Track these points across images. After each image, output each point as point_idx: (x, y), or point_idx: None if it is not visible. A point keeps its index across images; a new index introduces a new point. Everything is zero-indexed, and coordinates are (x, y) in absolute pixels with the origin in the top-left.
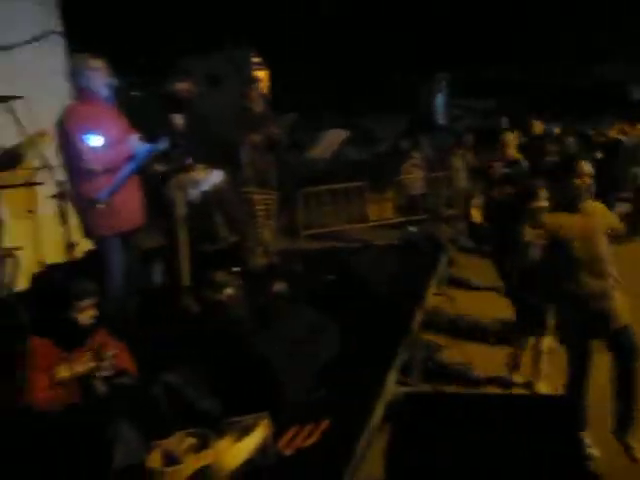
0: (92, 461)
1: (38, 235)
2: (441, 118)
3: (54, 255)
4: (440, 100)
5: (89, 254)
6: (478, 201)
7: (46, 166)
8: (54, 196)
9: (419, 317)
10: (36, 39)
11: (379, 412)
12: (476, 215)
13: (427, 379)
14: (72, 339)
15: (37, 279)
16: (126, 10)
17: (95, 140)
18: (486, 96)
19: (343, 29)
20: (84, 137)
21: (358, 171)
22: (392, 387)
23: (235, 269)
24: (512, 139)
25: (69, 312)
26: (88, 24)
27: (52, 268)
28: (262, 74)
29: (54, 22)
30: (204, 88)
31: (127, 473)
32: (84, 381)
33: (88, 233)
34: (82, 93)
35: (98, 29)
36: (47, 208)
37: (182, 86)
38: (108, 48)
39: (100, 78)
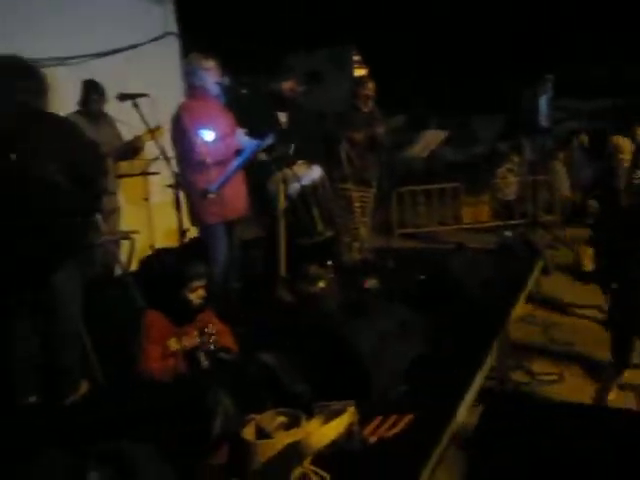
0: (195, 426)
1: (151, 221)
2: (544, 120)
3: (164, 240)
4: (544, 102)
5: (194, 241)
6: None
7: (161, 157)
8: (170, 186)
9: (509, 323)
10: (155, 39)
11: (462, 414)
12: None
13: (512, 385)
14: (183, 316)
15: (147, 261)
16: (233, 11)
17: (208, 135)
18: (595, 97)
19: (447, 31)
20: (198, 132)
21: (454, 172)
22: (477, 391)
23: (329, 263)
24: (626, 144)
25: (182, 291)
26: (200, 25)
27: (160, 252)
28: (362, 72)
29: (171, 24)
30: (306, 86)
31: (224, 440)
32: (191, 354)
33: (196, 221)
34: (195, 91)
35: (209, 30)
36: (160, 196)
37: (287, 85)
38: (218, 48)
39: (212, 77)
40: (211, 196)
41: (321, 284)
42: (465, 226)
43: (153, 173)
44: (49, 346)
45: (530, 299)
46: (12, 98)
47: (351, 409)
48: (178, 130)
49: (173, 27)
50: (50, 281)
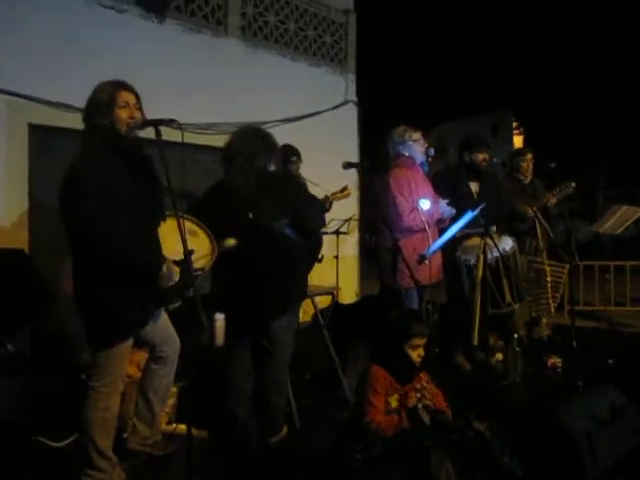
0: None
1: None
2: None
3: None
4: None
5: (369, 299)
6: None
7: (353, 218)
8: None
9: None
10: (337, 107)
11: None
12: None
13: None
14: (404, 374)
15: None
16: (402, 81)
17: (425, 203)
18: None
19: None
20: (410, 200)
21: (621, 247)
22: None
23: (515, 336)
24: None
25: (403, 346)
26: (376, 94)
27: (342, 307)
28: (519, 140)
29: (350, 92)
30: (496, 157)
31: None
32: (412, 413)
33: (391, 283)
34: (402, 160)
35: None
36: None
37: (482, 155)
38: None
39: (419, 147)
40: (426, 262)
41: (499, 356)
42: None
43: (343, 233)
44: (263, 387)
45: None
46: (254, 163)
47: None
48: (389, 196)
49: (352, 95)
50: (272, 328)
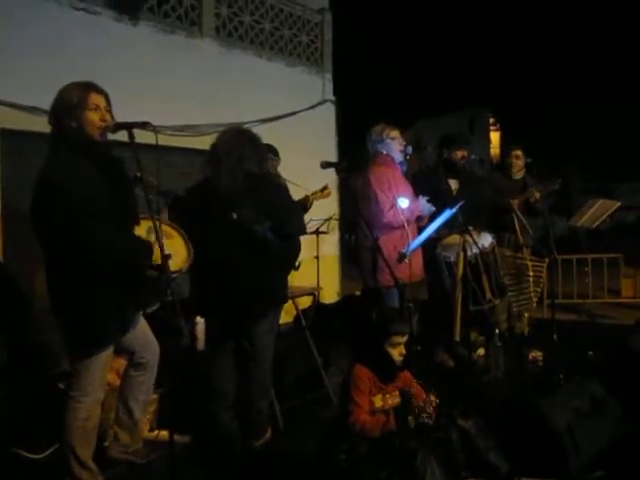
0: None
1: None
2: None
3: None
4: None
5: (350, 299)
6: None
7: (333, 218)
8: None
9: None
10: (314, 106)
11: None
12: None
13: None
14: (386, 372)
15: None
16: (379, 79)
17: (403, 202)
18: None
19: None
20: (394, 198)
21: (608, 241)
22: None
23: (496, 332)
24: None
25: (383, 344)
26: (353, 93)
27: (323, 307)
28: (496, 136)
29: (328, 92)
30: (475, 155)
31: None
32: (399, 414)
33: (374, 281)
34: (380, 158)
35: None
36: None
37: (460, 153)
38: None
39: (397, 145)
40: (406, 260)
41: (480, 351)
42: (623, 300)
43: (322, 232)
44: (246, 390)
45: None
46: (243, 164)
47: None
48: (370, 193)
49: (329, 94)
50: (253, 330)
